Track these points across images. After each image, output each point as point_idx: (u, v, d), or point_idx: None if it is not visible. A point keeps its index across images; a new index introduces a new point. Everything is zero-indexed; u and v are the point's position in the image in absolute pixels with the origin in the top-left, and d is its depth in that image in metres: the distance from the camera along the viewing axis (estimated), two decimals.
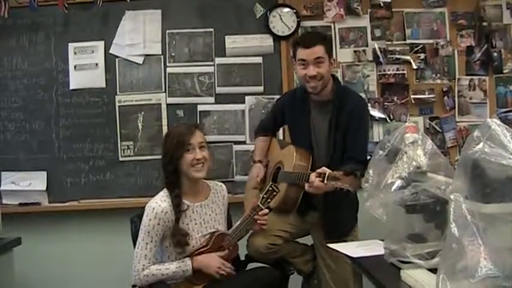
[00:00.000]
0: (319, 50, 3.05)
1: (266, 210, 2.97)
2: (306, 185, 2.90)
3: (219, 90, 4.17)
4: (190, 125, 2.99)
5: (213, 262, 2.87)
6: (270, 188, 2.97)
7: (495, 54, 4.17)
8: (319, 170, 2.84)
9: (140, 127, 4.17)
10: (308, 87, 3.11)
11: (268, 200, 2.96)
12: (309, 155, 3.18)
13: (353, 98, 3.23)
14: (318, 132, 3.20)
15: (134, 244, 2.91)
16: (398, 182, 2.11)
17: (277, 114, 3.49)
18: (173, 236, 2.83)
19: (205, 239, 2.92)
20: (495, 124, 1.56)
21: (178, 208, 2.85)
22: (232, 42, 4.17)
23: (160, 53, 4.18)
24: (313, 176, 2.85)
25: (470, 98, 4.18)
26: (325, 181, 2.77)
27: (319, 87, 3.10)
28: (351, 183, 2.70)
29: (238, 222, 3.05)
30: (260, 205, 2.95)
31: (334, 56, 3.66)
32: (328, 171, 2.79)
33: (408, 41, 4.19)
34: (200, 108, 4.17)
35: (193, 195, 2.95)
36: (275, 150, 3.48)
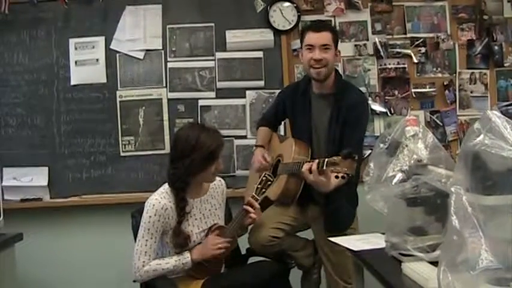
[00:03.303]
0: (327, 37, 3.11)
1: (258, 206, 2.98)
2: (305, 167, 2.89)
3: (220, 84, 4.16)
4: (218, 136, 2.91)
5: (207, 244, 2.88)
6: (264, 178, 2.98)
7: (496, 47, 4.16)
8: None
9: (141, 122, 4.17)
10: (312, 72, 3.13)
11: (263, 190, 2.97)
12: (308, 147, 3.19)
13: (354, 93, 3.24)
14: (318, 125, 3.22)
15: (135, 238, 2.91)
16: (399, 175, 2.12)
17: (278, 106, 3.50)
18: (175, 236, 2.84)
19: (205, 233, 2.93)
20: (495, 116, 1.56)
21: (182, 211, 2.85)
22: (233, 36, 4.16)
23: (161, 48, 4.17)
24: (308, 165, 2.86)
25: (471, 92, 4.17)
26: (324, 167, 2.77)
27: (323, 74, 3.11)
28: (349, 167, 2.69)
29: (235, 215, 3.07)
30: (255, 195, 2.96)
31: None
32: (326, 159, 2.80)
33: (409, 35, 4.18)
34: (201, 103, 4.17)
35: (193, 191, 2.95)
36: (275, 143, 3.49)
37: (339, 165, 2.70)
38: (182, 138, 2.89)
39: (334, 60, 3.16)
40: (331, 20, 4.16)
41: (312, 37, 3.11)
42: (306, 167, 2.88)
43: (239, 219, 2.98)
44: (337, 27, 4.11)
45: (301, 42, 3.21)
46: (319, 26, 3.18)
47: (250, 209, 2.96)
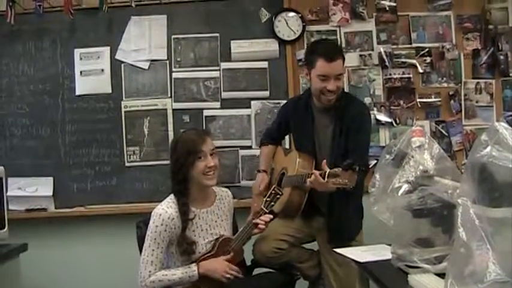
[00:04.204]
0: (340, 65, 3.08)
1: (269, 216, 2.95)
2: (308, 181, 2.90)
3: (225, 95, 4.17)
4: (201, 132, 2.98)
5: (219, 266, 2.86)
6: (273, 191, 2.96)
7: (501, 57, 4.15)
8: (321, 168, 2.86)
9: (146, 132, 4.17)
10: (324, 99, 3.11)
11: (272, 204, 2.95)
12: (311, 160, 3.19)
13: (356, 104, 3.24)
14: (322, 137, 3.22)
15: (140, 249, 2.90)
16: (405, 186, 2.11)
17: (281, 121, 3.51)
18: (180, 244, 2.83)
19: (211, 245, 2.92)
20: (503, 128, 1.55)
21: (185, 217, 2.84)
22: (238, 47, 4.17)
23: (166, 58, 4.18)
24: (313, 173, 2.86)
25: (477, 102, 4.16)
26: (326, 178, 2.76)
27: (334, 101, 3.11)
28: (350, 178, 2.68)
29: (242, 227, 3.04)
30: (264, 208, 2.94)
31: None
32: (328, 169, 2.79)
33: (414, 45, 4.17)
34: (206, 113, 4.17)
35: (199, 201, 2.94)
36: (280, 157, 3.49)
37: (340, 176, 2.70)
38: (171, 142, 3.03)
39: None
40: (335, 30, 4.16)
41: (326, 67, 3.03)
42: (310, 180, 2.88)
43: (246, 231, 2.96)
44: (342, 37, 4.12)
45: (310, 63, 3.13)
46: (332, 55, 3.05)
47: (260, 221, 2.93)
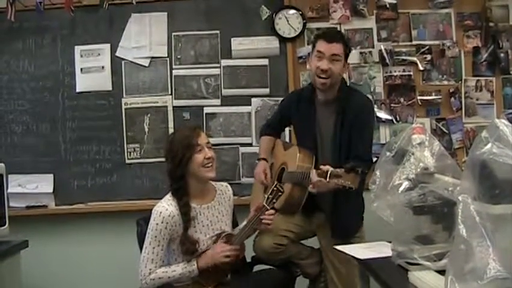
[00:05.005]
0: (338, 47, 3.09)
1: (272, 211, 2.95)
2: (310, 186, 2.89)
3: (225, 92, 4.17)
4: (193, 127, 2.98)
5: (215, 251, 2.85)
6: (275, 188, 2.94)
7: (502, 55, 4.15)
8: (321, 167, 2.84)
9: (146, 129, 4.17)
10: (318, 82, 3.11)
11: (274, 200, 2.93)
12: (312, 155, 3.18)
13: (359, 98, 3.24)
14: (324, 131, 3.21)
15: (140, 246, 2.90)
16: (406, 184, 2.11)
17: (282, 113, 3.50)
18: (182, 244, 2.82)
19: (212, 240, 2.91)
20: (503, 125, 1.55)
21: (187, 216, 2.83)
22: (238, 44, 4.17)
23: (166, 55, 4.18)
24: (315, 174, 2.85)
25: (477, 99, 4.16)
26: (328, 179, 2.76)
27: (328, 84, 3.10)
28: (352, 180, 2.69)
29: (244, 223, 3.02)
30: (265, 205, 2.93)
31: None
32: (330, 168, 2.78)
33: (414, 42, 4.17)
34: (206, 110, 4.17)
35: (200, 197, 2.93)
36: (279, 151, 3.48)
37: (342, 177, 2.70)
38: (166, 143, 3.03)
39: (341, 72, 3.16)
40: (336, 27, 4.16)
41: (323, 45, 3.09)
42: (313, 179, 2.88)
43: (250, 227, 2.95)
44: None
45: (313, 48, 3.19)
46: (332, 37, 3.14)
47: (267, 217, 2.92)
